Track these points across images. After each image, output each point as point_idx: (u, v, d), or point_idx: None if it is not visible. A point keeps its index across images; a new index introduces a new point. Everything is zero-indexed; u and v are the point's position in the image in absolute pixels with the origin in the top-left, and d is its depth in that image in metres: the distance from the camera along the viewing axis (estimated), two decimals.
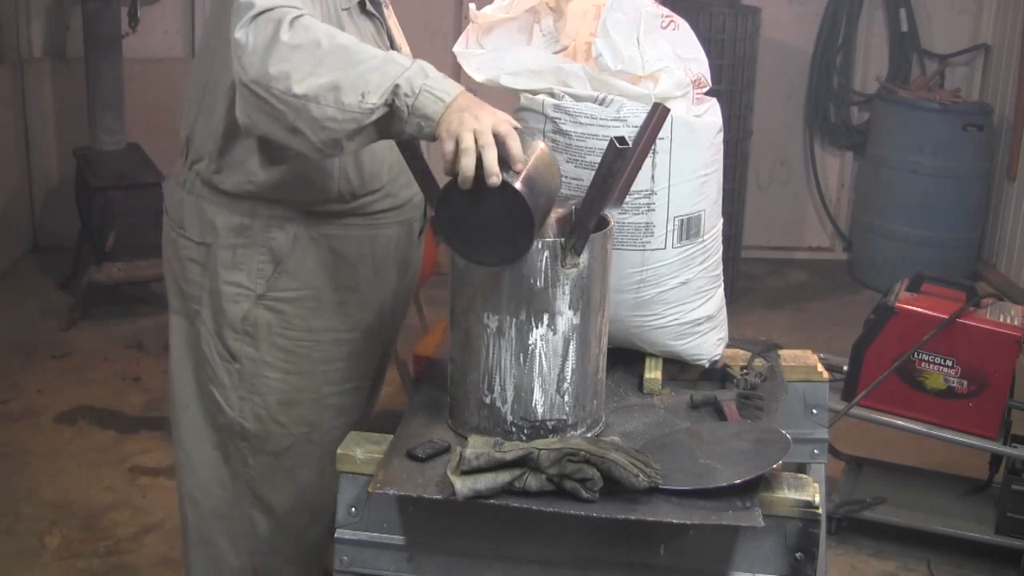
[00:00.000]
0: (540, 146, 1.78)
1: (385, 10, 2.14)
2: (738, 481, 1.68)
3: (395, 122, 1.72)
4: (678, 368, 2.15)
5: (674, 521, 1.64)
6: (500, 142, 1.67)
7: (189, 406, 2.17)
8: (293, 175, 2.00)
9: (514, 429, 1.82)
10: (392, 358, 2.43)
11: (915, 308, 3.22)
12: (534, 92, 2.05)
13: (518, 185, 1.68)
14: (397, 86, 1.69)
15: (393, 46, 2.11)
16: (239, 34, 1.75)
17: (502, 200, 1.68)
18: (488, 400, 1.83)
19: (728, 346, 2.21)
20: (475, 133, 1.66)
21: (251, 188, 2.00)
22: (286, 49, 1.71)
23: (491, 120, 1.68)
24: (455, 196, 1.70)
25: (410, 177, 1.92)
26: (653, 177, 2.00)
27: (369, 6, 2.06)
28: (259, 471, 2.15)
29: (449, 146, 1.67)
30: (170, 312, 2.17)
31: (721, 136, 2.10)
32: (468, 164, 1.65)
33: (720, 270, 2.18)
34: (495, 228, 1.71)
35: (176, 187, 2.12)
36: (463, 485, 1.64)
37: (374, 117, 1.70)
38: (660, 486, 1.68)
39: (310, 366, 2.10)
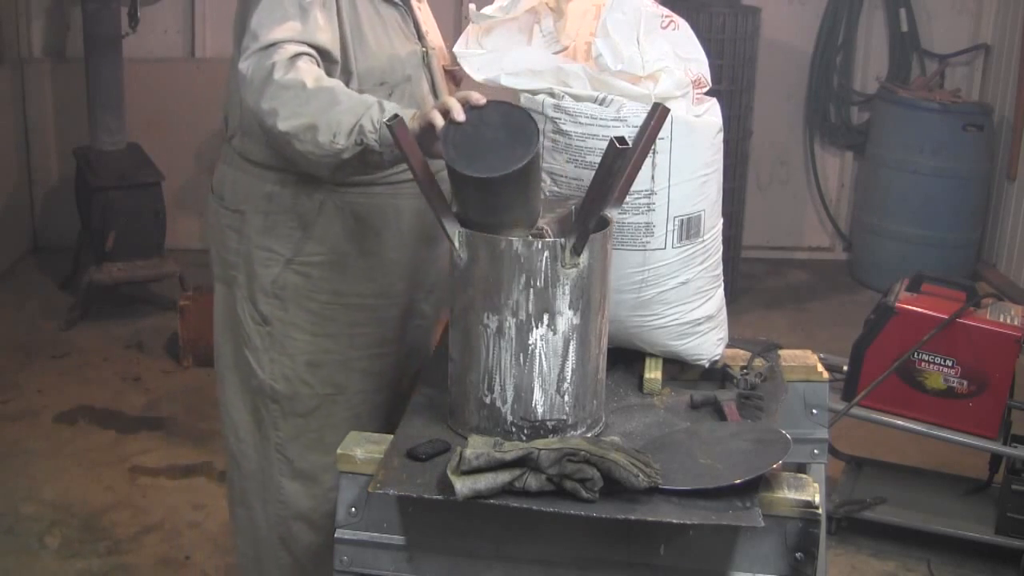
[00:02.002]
0: None
1: (416, 2, 2.22)
2: (738, 481, 1.68)
3: (373, 154, 1.89)
4: (678, 368, 2.15)
5: (674, 521, 1.64)
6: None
7: (228, 371, 2.29)
8: None
9: (514, 429, 1.82)
10: (430, 331, 2.46)
11: (915, 308, 3.22)
12: (534, 92, 2.05)
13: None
14: (361, 126, 1.86)
15: (420, 35, 2.19)
16: (242, 66, 1.95)
17: (498, 112, 1.81)
18: (488, 400, 1.83)
19: (728, 346, 2.21)
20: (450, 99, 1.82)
21: (277, 161, 2.10)
22: (277, 88, 1.90)
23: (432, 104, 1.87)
24: (454, 132, 1.79)
25: None
26: (653, 177, 2.00)
27: None
28: (288, 434, 2.23)
29: (436, 115, 1.80)
30: (214, 281, 2.30)
31: (721, 136, 2.10)
32: (455, 101, 1.80)
33: (720, 270, 2.18)
34: (498, 145, 1.78)
35: (220, 162, 2.27)
36: (463, 485, 1.64)
37: (346, 155, 1.89)
38: (660, 486, 1.68)
39: (336, 329, 2.19)
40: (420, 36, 2.20)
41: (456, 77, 2.28)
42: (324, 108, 1.88)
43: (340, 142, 1.87)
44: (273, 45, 1.94)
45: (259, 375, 2.21)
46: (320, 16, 2.00)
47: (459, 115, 1.78)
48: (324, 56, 2.00)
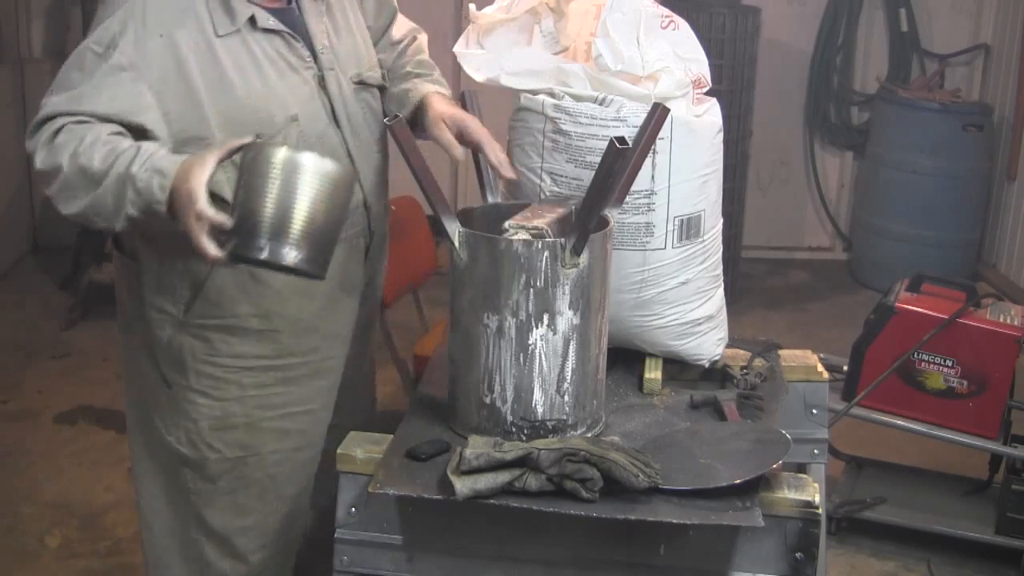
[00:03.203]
0: (271, 166, 1.66)
1: (316, 5, 2.03)
2: (738, 481, 1.68)
3: (157, 208, 1.76)
4: (678, 368, 2.15)
5: (674, 521, 1.64)
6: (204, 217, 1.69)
7: (134, 429, 2.16)
8: None
9: (514, 429, 1.82)
10: (370, 372, 2.37)
11: (915, 308, 3.22)
12: (534, 92, 2.05)
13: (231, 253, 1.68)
14: (127, 214, 1.77)
15: (315, 55, 1.99)
16: (28, 144, 1.85)
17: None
18: (488, 400, 1.83)
19: (728, 346, 2.21)
20: (191, 216, 1.69)
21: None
22: (42, 175, 1.82)
23: (187, 210, 1.69)
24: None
25: None
26: (653, 177, 2.00)
27: (270, 22, 1.94)
28: (202, 496, 2.10)
29: (203, 240, 1.69)
30: (118, 333, 2.15)
31: (721, 136, 2.10)
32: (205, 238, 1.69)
33: (720, 270, 2.18)
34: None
35: None
36: (463, 485, 1.64)
37: (129, 225, 1.80)
38: (660, 486, 1.68)
39: (239, 391, 2.04)
40: (315, 56, 2.01)
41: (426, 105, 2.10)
42: (88, 189, 1.78)
43: (117, 224, 1.79)
44: (44, 122, 1.83)
45: (166, 438, 2.07)
46: (109, 79, 1.83)
47: (213, 252, 1.68)
48: (111, 122, 1.83)
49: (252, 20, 1.92)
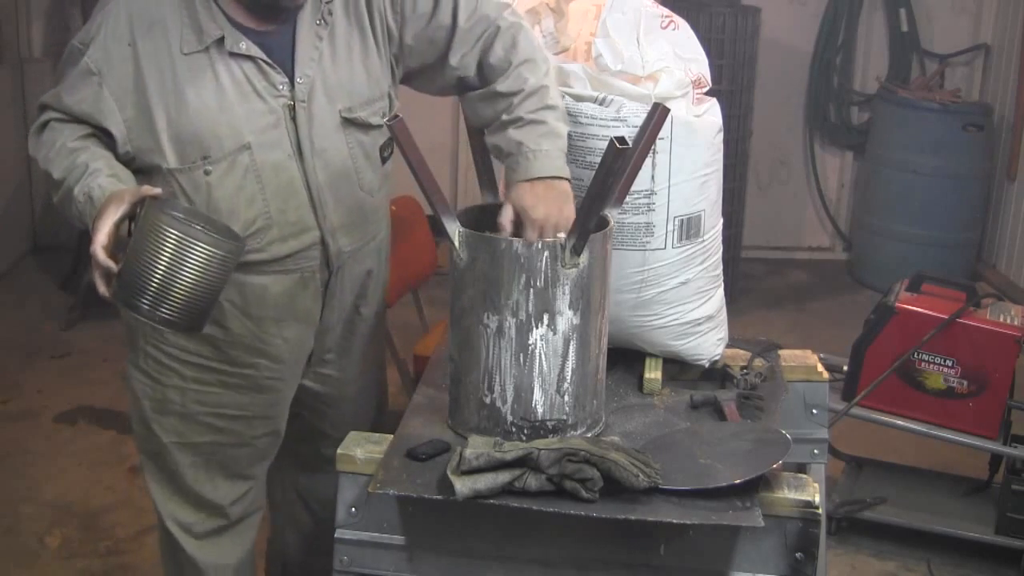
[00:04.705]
0: (166, 238, 1.72)
1: (320, 33, 1.96)
2: (738, 481, 1.68)
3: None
4: (678, 368, 2.15)
5: (674, 521, 1.64)
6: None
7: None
8: None
9: (514, 429, 1.82)
10: (375, 386, 2.38)
11: (915, 308, 3.22)
12: None
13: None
14: (73, 219, 1.86)
15: (292, 83, 1.94)
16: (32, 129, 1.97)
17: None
18: (488, 400, 1.83)
19: (728, 346, 2.21)
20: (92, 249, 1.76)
21: None
22: (34, 161, 1.93)
23: (92, 240, 1.75)
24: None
25: (286, 232, 1.98)
26: (653, 177, 2.00)
27: (241, 46, 1.91)
28: (146, 468, 2.20)
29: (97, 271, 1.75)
30: None
31: (721, 136, 2.10)
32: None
33: (720, 270, 2.18)
34: None
35: None
36: (463, 485, 1.64)
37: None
38: (660, 486, 1.68)
39: (180, 381, 2.09)
40: (293, 84, 1.94)
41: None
42: (55, 194, 1.90)
43: (72, 219, 1.87)
44: (41, 109, 1.95)
45: (127, 410, 2.20)
46: (81, 81, 1.89)
47: (102, 289, 1.75)
48: (85, 123, 1.91)
49: (221, 41, 1.90)
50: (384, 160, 2.10)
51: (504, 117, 1.97)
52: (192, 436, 2.13)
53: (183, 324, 1.76)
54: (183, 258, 1.70)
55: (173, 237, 1.70)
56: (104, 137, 1.92)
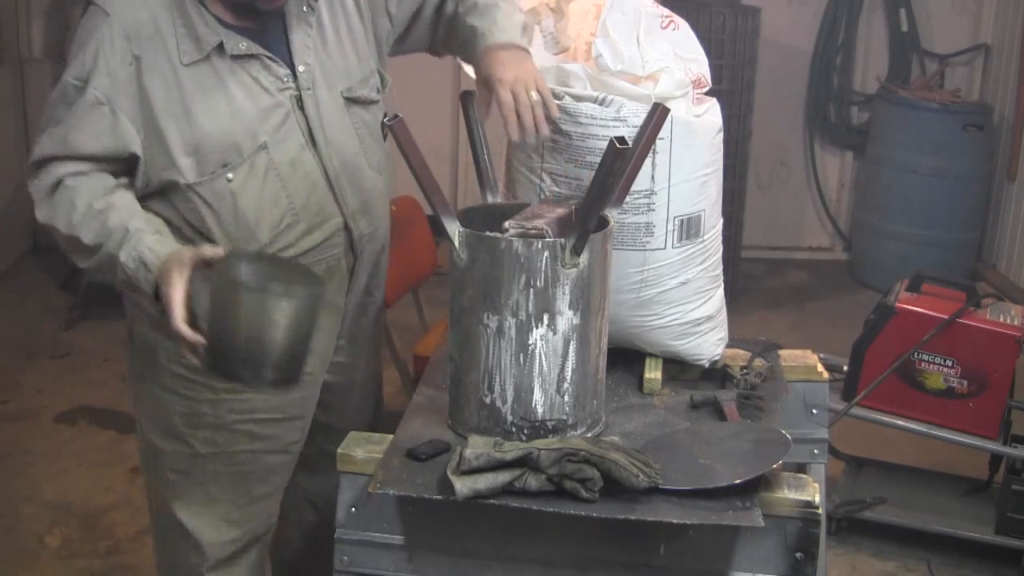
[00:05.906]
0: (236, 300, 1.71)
1: (309, 21, 1.98)
2: (738, 481, 1.68)
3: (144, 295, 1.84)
4: (678, 368, 2.15)
5: (674, 521, 1.64)
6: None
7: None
8: None
9: (514, 429, 1.82)
10: (373, 380, 2.36)
11: (915, 308, 3.22)
12: None
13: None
14: (117, 282, 1.85)
15: (294, 73, 1.95)
16: (29, 186, 1.91)
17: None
18: (488, 400, 1.83)
19: (728, 346, 2.21)
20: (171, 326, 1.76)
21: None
22: (44, 227, 1.88)
23: (168, 317, 1.76)
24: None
25: (312, 224, 1.98)
26: (653, 177, 2.00)
27: (242, 47, 1.90)
28: (174, 487, 2.11)
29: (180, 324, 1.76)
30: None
31: (721, 136, 2.10)
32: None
33: (720, 270, 2.18)
34: None
35: None
36: (463, 485, 1.64)
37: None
38: (660, 486, 1.68)
39: (212, 394, 2.04)
40: (295, 74, 1.95)
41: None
42: (84, 259, 1.87)
43: (117, 282, 1.85)
44: (40, 164, 1.88)
45: (143, 430, 2.12)
46: (91, 116, 1.84)
47: (195, 362, 1.77)
48: (103, 161, 1.86)
49: (221, 47, 1.89)
50: (385, 136, 2.12)
51: (459, 10, 2.09)
52: (228, 446, 2.07)
53: (287, 380, 1.76)
54: (270, 323, 1.69)
55: (255, 307, 1.68)
56: (123, 174, 1.89)
